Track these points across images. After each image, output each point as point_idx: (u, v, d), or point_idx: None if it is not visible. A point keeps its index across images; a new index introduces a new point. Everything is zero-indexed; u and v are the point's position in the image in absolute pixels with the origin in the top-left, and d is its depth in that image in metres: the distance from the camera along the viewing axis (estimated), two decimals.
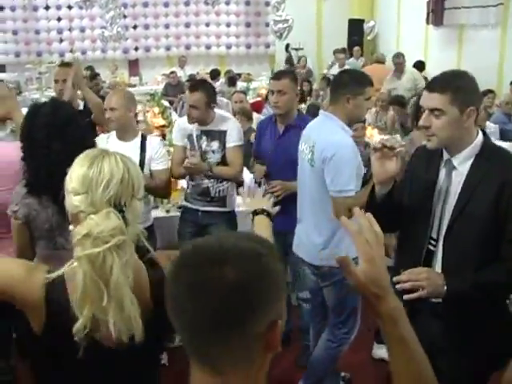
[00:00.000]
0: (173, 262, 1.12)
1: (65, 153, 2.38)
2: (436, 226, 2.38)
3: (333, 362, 3.62)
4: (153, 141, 3.98)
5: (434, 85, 2.28)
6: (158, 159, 3.91)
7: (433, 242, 2.39)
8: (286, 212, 2.93)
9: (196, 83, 4.34)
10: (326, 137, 3.21)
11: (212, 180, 4.09)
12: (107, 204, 1.58)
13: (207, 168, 3.99)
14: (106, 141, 3.79)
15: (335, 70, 11.16)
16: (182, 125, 4.19)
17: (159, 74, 13.33)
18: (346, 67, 12.41)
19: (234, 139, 4.02)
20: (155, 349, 1.79)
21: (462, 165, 2.34)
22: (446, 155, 2.39)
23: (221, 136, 4.04)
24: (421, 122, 2.31)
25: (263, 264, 1.08)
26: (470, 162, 2.33)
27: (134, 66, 14.30)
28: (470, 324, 2.32)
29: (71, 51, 13.52)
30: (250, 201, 2.44)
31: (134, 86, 12.75)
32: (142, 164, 3.81)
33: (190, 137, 4.06)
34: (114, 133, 3.94)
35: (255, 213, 2.30)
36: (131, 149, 3.78)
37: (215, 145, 4.04)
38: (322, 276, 3.40)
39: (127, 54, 14.14)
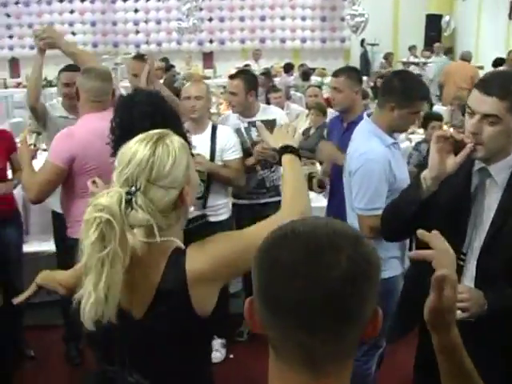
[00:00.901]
0: (267, 246, 1.05)
1: None
2: (467, 241, 2.18)
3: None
4: (223, 131, 4.01)
5: (491, 87, 2.00)
6: (230, 149, 3.96)
7: (462, 256, 2.18)
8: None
9: (237, 72, 4.46)
10: (356, 146, 3.07)
11: (265, 170, 4.17)
12: (125, 183, 1.64)
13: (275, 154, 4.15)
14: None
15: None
16: (231, 120, 4.28)
17: (233, 67, 13.36)
18: (431, 65, 12.49)
19: None
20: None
21: (498, 175, 2.13)
22: (478, 163, 2.17)
23: (270, 124, 4.00)
24: (470, 128, 2.05)
25: (370, 249, 1.04)
26: (506, 173, 2.13)
27: (208, 58, 14.63)
28: (502, 344, 2.13)
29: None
30: (270, 136, 2.26)
31: (209, 78, 12.93)
32: (212, 155, 3.91)
33: (238, 131, 4.13)
34: (184, 126, 4.13)
35: (282, 151, 2.10)
36: (202, 140, 3.88)
37: None
38: None
39: (202, 47, 14.51)
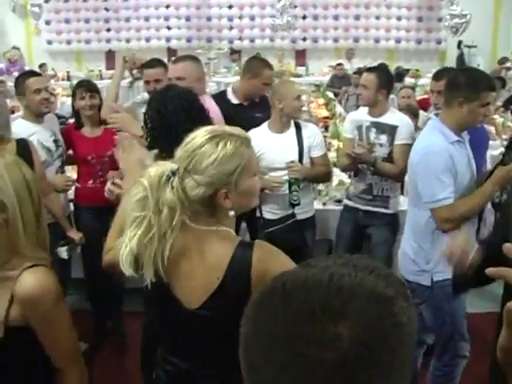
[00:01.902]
0: (259, 298, 0.89)
1: None
2: None
3: None
4: (309, 128, 4.10)
5: None
6: (317, 146, 4.05)
7: None
8: None
9: (375, 66, 4.55)
10: (419, 140, 3.22)
11: (376, 177, 4.12)
12: (177, 161, 1.84)
13: (372, 160, 4.04)
14: (259, 134, 3.91)
15: None
16: (354, 116, 4.37)
17: (325, 66, 13.76)
18: None
19: (404, 136, 4.05)
20: None
21: None
22: None
23: (391, 130, 4.07)
24: None
25: (394, 317, 0.80)
26: None
27: (300, 56, 14.87)
28: None
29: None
30: None
31: (300, 76, 13.28)
32: (301, 154, 3.99)
33: (360, 128, 4.19)
34: (265, 126, 4.08)
35: None
36: (287, 139, 4.01)
37: (383, 138, 4.09)
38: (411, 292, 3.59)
39: (295, 44, 14.72)
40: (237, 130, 1.91)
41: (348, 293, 0.79)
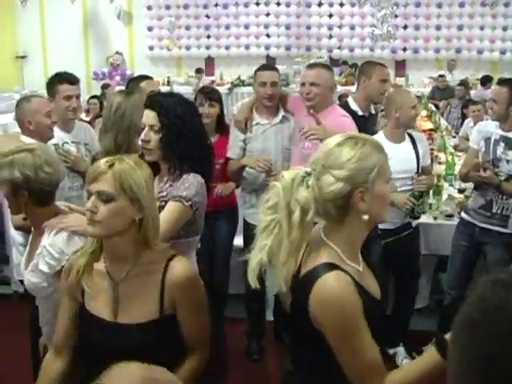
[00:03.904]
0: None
1: None
2: None
3: None
4: (421, 138, 4.39)
5: None
6: (426, 154, 4.31)
7: None
8: None
9: (507, 79, 4.43)
10: None
11: (497, 193, 4.11)
12: (312, 164, 1.93)
13: (496, 182, 4.04)
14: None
15: None
16: (483, 127, 4.35)
17: (426, 77, 14.20)
18: None
19: None
20: None
21: None
22: None
23: None
24: None
25: None
26: None
27: (400, 66, 15.28)
28: None
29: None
30: None
31: (400, 87, 13.15)
32: (418, 164, 4.21)
33: (487, 140, 4.18)
34: (382, 135, 4.20)
35: None
36: (405, 150, 4.20)
37: (511, 154, 4.05)
38: None
39: (395, 54, 15.12)
40: (371, 137, 2.07)
41: None
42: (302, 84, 4.14)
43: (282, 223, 1.87)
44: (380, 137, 4.11)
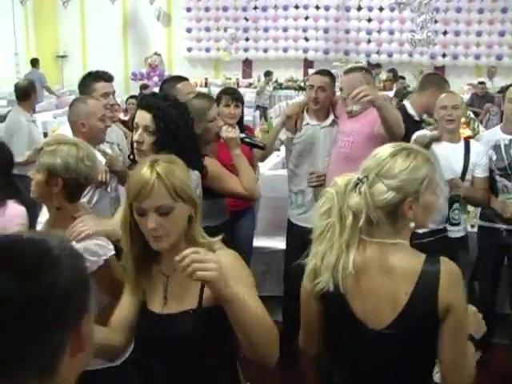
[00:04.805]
0: None
1: None
2: None
3: None
4: (477, 146, 4.20)
5: None
6: (481, 166, 4.14)
7: None
8: None
9: None
10: None
11: None
12: (364, 171, 2.00)
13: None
14: (436, 142, 4.09)
15: None
16: (490, 136, 4.39)
17: (465, 84, 13.99)
18: None
19: None
20: None
21: None
22: None
23: None
24: None
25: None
26: None
27: (439, 72, 13.87)
28: None
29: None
30: None
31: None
32: (465, 169, 4.10)
33: (496, 147, 4.20)
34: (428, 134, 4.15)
35: None
36: (456, 151, 4.11)
37: None
38: None
39: (434, 60, 15.09)
40: (422, 148, 2.13)
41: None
42: (340, 89, 4.22)
43: (334, 227, 1.95)
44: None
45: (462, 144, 4.18)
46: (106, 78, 4.09)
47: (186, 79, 4.30)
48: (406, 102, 4.73)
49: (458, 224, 4.10)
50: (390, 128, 3.72)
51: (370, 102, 3.64)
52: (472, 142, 4.26)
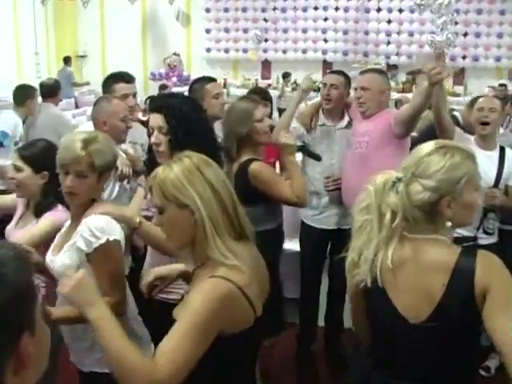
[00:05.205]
0: None
1: None
2: None
3: None
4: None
5: None
6: None
7: None
8: None
9: None
10: None
11: None
12: (403, 170, 2.03)
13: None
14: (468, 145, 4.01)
15: None
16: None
17: (485, 86, 13.43)
18: None
19: None
20: None
21: None
22: None
23: None
24: None
25: None
26: None
27: (459, 74, 14.92)
28: None
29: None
30: None
31: (458, 95, 13.56)
32: (498, 177, 4.03)
33: None
34: (472, 140, 4.17)
35: None
36: (492, 159, 4.05)
37: None
38: None
39: (453, 62, 14.81)
40: (463, 145, 2.12)
41: None
42: (355, 89, 4.24)
43: (373, 224, 1.99)
44: (471, 140, 4.16)
45: (497, 151, 4.11)
46: (127, 79, 4.13)
47: (214, 80, 4.34)
48: (456, 113, 4.83)
49: (492, 233, 4.05)
50: (440, 113, 3.73)
51: (439, 81, 3.54)
52: (507, 149, 4.17)
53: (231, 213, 2.04)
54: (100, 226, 2.53)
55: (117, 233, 2.57)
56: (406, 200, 1.95)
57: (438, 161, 1.96)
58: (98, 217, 2.57)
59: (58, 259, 2.63)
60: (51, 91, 6.89)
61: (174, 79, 15.62)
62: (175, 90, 12.96)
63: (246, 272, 1.96)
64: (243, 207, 2.07)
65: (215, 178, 2.04)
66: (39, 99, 6.76)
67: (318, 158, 3.90)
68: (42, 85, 7.00)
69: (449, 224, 2.02)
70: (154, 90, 13.39)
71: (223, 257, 1.95)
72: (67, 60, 15.01)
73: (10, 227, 3.29)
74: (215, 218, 1.98)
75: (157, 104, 2.96)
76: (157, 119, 2.89)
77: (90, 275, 2.09)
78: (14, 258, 1.06)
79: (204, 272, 1.98)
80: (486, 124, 4.04)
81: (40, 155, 3.17)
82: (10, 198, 3.45)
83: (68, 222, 2.77)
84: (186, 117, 2.85)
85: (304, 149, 3.79)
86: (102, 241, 2.50)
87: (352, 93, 4.53)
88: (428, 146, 2.03)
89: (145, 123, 5.09)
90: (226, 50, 16.66)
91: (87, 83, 15.27)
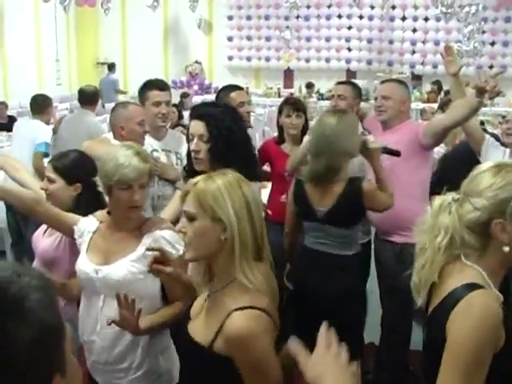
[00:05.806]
0: None
1: None
2: None
3: None
4: None
5: None
6: None
7: None
8: None
9: None
10: None
11: None
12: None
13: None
14: (502, 156, 4.13)
15: None
16: None
17: None
18: None
19: None
20: None
21: None
22: None
23: None
24: None
25: None
26: None
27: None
28: None
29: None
30: None
31: (485, 105, 13.49)
32: None
33: None
34: (508, 151, 4.20)
35: None
36: None
37: None
38: None
39: (479, 70, 14.15)
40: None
41: None
42: (375, 98, 4.23)
43: (428, 245, 1.94)
44: (507, 150, 4.22)
45: None
46: (160, 86, 4.17)
47: (240, 88, 4.38)
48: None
49: None
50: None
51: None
52: None
53: (258, 234, 2.06)
54: (176, 239, 2.63)
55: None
56: (456, 221, 1.88)
57: (488, 179, 1.86)
58: (171, 231, 2.68)
59: (124, 267, 2.67)
60: (90, 99, 6.91)
61: (196, 87, 15.53)
62: (196, 98, 12.83)
63: (268, 294, 2.03)
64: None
65: (251, 197, 2.06)
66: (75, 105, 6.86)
67: (398, 154, 3.79)
68: (80, 91, 7.04)
69: (506, 249, 1.84)
70: (175, 99, 13.26)
71: (246, 279, 1.97)
72: (111, 67, 15.32)
73: (37, 234, 3.29)
74: (245, 237, 2.00)
75: (199, 112, 3.02)
76: (198, 127, 2.94)
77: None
78: (39, 288, 0.96)
79: (229, 300, 2.00)
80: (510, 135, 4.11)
81: (72, 167, 3.20)
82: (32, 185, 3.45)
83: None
84: (227, 127, 2.91)
85: (386, 148, 3.72)
86: (181, 252, 2.56)
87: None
88: (484, 165, 1.95)
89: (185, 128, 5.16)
90: (249, 59, 16.57)
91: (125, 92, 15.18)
